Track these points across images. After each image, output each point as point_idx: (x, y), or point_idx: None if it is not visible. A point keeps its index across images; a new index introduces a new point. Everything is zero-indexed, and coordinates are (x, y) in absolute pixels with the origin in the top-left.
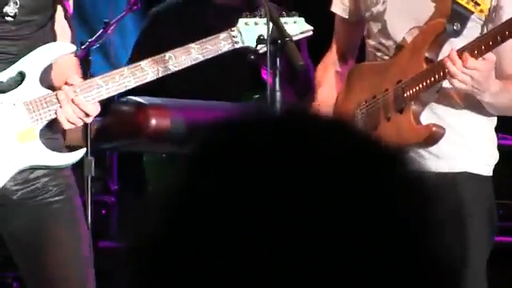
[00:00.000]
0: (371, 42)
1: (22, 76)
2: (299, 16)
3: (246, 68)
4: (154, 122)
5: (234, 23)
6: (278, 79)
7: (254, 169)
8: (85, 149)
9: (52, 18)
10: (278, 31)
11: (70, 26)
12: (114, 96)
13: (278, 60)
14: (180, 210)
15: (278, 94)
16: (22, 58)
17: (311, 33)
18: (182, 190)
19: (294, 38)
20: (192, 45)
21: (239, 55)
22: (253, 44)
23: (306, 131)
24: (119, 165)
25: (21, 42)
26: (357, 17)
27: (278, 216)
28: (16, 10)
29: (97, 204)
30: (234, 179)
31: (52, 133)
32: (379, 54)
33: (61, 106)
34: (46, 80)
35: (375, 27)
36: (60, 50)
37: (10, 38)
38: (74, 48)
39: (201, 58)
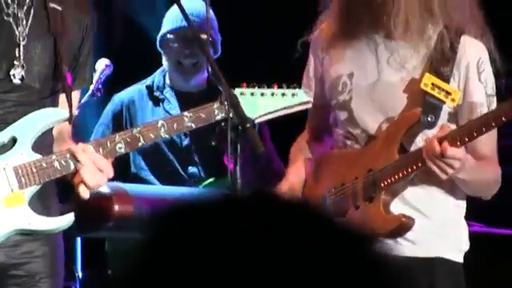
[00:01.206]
0: (339, 130)
1: (13, 141)
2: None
3: (208, 153)
4: (117, 207)
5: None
6: (238, 167)
7: (205, 258)
8: (73, 215)
9: (55, 93)
10: (239, 117)
11: (69, 99)
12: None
13: (238, 146)
14: None
15: (239, 182)
16: (15, 123)
17: (310, 105)
18: (136, 279)
19: (293, 110)
20: (185, 113)
21: (202, 141)
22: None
23: (270, 214)
24: (83, 249)
25: (21, 109)
26: (323, 103)
27: None
28: (23, 73)
29: None
30: (186, 269)
31: (45, 198)
32: (349, 142)
33: (81, 164)
34: (40, 146)
35: (342, 115)
36: (53, 116)
37: (13, 102)
38: (67, 115)
39: (193, 127)
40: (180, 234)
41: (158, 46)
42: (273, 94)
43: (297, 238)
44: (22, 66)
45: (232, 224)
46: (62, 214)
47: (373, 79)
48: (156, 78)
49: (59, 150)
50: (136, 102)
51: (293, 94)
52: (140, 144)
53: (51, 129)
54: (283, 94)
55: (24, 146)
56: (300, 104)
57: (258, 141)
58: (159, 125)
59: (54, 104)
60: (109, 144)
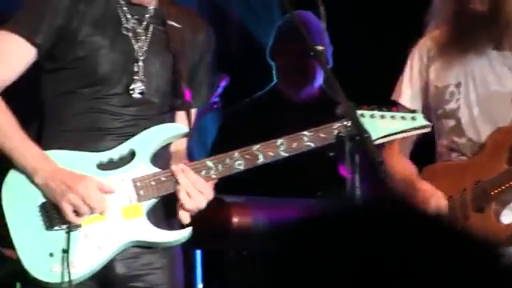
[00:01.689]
0: (443, 141)
1: (132, 154)
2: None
3: (323, 165)
4: (235, 219)
5: (312, 121)
6: (357, 175)
7: (341, 271)
8: (190, 229)
9: (173, 110)
10: (356, 127)
11: (188, 114)
12: None
13: (356, 156)
14: None
15: (358, 191)
16: (135, 137)
17: (429, 129)
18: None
19: (412, 133)
20: (305, 132)
21: (316, 152)
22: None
23: (402, 223)
24: (203, 262)
25: (140, 123)
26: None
27: None
28: (143, 88)
29: None
30: (322, 278)
31: (163, 211)
32: (453, 154)
33: (177, 182)
34: (159, 160)
35: (448, 124)
36: (172, 132)
37: (132, 116)
38: (186, 130)
39: (312, 146)
40: (312, 248)
41: (268, 57)
42: (392, 117)
43: (434, 248)
44: (142, 81)
45: (363, 235)
46: (180, 226)
47: (484, 89)
48: (268, 90)
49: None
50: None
51: (412, 118)
52: (259, 162)
53: (169, 144)
54: (403, 118)
55: (143, 159)
56: (420, 128)
57: (375, 150)
58: (278, 143)
59: (172, 120)
60: (228, 160)
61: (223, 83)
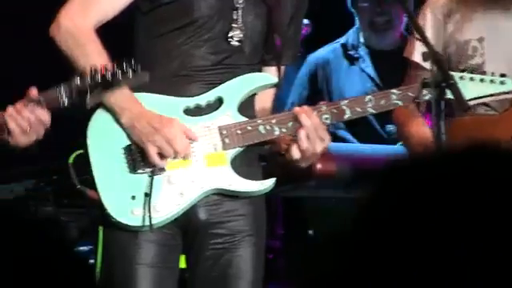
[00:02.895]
0: None
1: (220, 101)
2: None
3: None
4: (319, 166)
5: (394, 68)
6: (442, 123)
7: (438, 213)
8: (274, 179)
9: (262, 62)
10: (443, 73)
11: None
12: None
13: (442, 103)
14: (359, 249)
15: (444, 137)
16: (223, 84)
17: None
18: (360, 230)
19: (499, 97)
20: (393, 90)
21: None
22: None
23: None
24: (284, 209)
25: (230, 71)
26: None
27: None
28: (241, 36)
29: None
30: (410, 228)
31: (247, 160)
32: (479, 109)
33: (303, 128)
34: (245, 108)
35: None
36: (261, 81)
37: (222, 64)
38: (275, 80)
39: (399, 104)
40: (404, 193)
41: (349, 5)
42: (482, 80)
43: None
44: (241, 29)
45: (458, 182)
46: (264, 175)
47: (509, 43)
48: (350, 36)
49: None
50: (331, 61)
51: (501, 82)
52: (346, 117)
53: (255, 94)
54: (492, 81)
55: (230, 107)
56: (508, 92)
57: (462, 97)
58: (366, 99)
59: (261, 71)
60: (316, 113)
61: (305, 31)
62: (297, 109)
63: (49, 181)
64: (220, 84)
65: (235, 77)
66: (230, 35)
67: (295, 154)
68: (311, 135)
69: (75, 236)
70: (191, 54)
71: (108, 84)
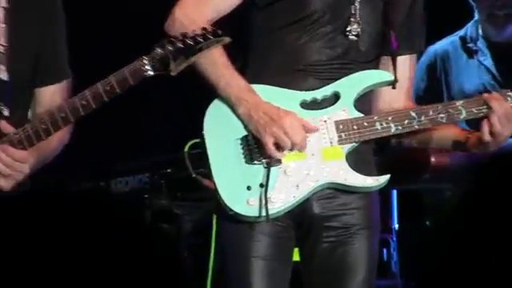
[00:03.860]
0: None
1: (336, 96)
2: None
3: None
4: (433, 159)
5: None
6: None
7: None
8: (389, 176)
9: (378, 58)
10: None
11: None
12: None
13: None
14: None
15: None
16: (340, 80)
17: None
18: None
19: None
20: (509, 93)
21: None
22: None
23: None
24: (399, 202)
25: (346, 66)
26: None
27: None
28: (359, 31)
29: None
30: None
31: (362, 155)
32: None
33: (490, 108)
34: (362, 105)
35: None
36: (378, 78)
37: (339, 60)
38: (391, 78)
39: None
40: (499, 185)
41: None
42: None
43: None
44: (358, 23)
45: None
46: (378, 170)
47: None
48: (469, 29)
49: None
50: (450, 53)
51: None
52: (461, 117)
53: (371, 91)
54: None
55: (347, 102)
56: None
57: None
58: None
59: (377, 68)
60: (431, 112)
61: None
62: (486, 95)
63: (163, 174)
64: (335, 80)
65: (351, 73)
66: (347, 29)
67: (486, 137)
68: (502, 120)
69: (188, 229)
70: (306, 49)
71: (190, 50)
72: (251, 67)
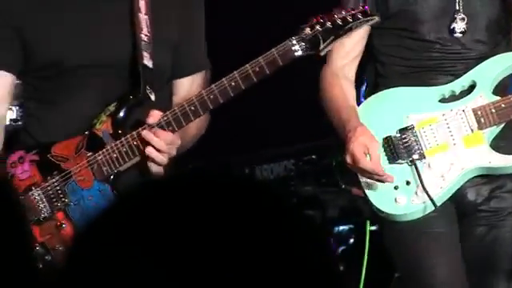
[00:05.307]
0: None
1: (473, 85)
2: None
3: None
4: None
5: None
6: None
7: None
8: None
9: (508, 35)
10: None
11: None
12: None
13: None
14: None
15: None
16: (475, 68)
17: None
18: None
19: None
20: None
21: None
22: None
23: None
24: None
25: (468, 61)
26: None
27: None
28: (464, 27)
29: None
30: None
31: (508, 136)
32: None
33: None
34: (502, 88)
35: None
36: (509, 61)
37: (456, 55)
38: None
39: None
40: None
41: None
42: None
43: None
44: (463, 19)
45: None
46: None
47: None
48: None
49: None
50: None
51: None
52: None
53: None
54: None
55: (483, 89)
56: None
57: None
58: None
59: (509, 48)
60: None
61: None
62: None
63: (308, 160)
64: (465, 72)
65: (478, 63)
66: (452, 27)
67: None
68: None
69: (335, 215)
70: (426, 55)
71: (340, 29)
72: (381, 75)
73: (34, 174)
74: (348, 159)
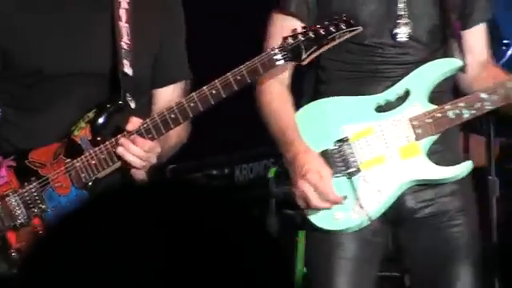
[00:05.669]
0: None
1: (407, 93)
2: None
3: None
4: None
5: None
6: None
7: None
8: (470, 162)
9: (444, 44)
10: None
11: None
12: None
13: None
14: None
15: None
16: (408, 75)
17: None
18: None
19: None
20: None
21: None
22: None
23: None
24: None
25: (410, 66)
26: None
27: None
28: (407, 32)
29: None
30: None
31: (445, 146)
32: None
33: None
34: (437, 97)
35: None
36: (446, 66)
37: (402, 61)
38: (460, 63)
39: None
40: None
41: None
42: None
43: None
44: (406, 24)
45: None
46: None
47: None
48: None
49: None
50: None
51: None
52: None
53: (449, 82)
54: None
55: (418, 97)
56: None
57: None
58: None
59: (448, 54)
60: (503, 90)
61: None
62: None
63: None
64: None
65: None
66: (394, 32)
67: None
68: None
69: None
70: (368, 60)
71: (322, 39)
72: (322, 81)
73: (11, 179)
74: (301, 186)
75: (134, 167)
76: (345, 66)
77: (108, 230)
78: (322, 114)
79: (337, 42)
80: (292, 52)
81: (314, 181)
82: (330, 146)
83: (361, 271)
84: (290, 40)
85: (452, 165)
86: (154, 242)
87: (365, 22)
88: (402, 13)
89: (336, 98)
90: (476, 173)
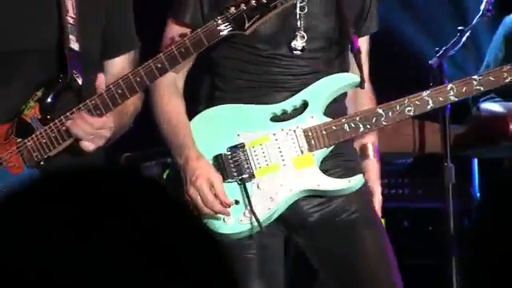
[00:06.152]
0: None
1: (305, 105)
2: None
3: None
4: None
5: None
6: None
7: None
8: (361, 176)
9: (342, 55)
10: None
11: (358, 62)
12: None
13: None
14: None
15: None
16: (307, 88)
17: None
18: None
19: None
20: (475, 76)
21: None
22: None
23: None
24: (480, 171)
25: (310, 77)
26: None
27: None
28: (303, 44)
29: (457, 212)
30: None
31: (340, 158)
32: None
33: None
34: (333, 111)
35: None
36: (343, 81)
37: (298, 70)
38: (357, 79)
39: (482, 90)
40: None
41: None
42: None
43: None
44: (302, 37)
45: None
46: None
47: None
48: None
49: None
50: None
51: None
52: (429, 107)
53: (344, 96)
54: None
55: (315, 109)
56: None
57: None
58: (448, 88)
59: (343, 66)
60: (398, 107)
61: None
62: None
63: None
64: (302, 88)
65: (315, 79)
66: (291, 44)
67: None
68: None
69: None
70: (266, 70)
71: (264, 7)
72: (219, 88)
73: None
74: (191, 193)
75: (84, 144)
76: (242, 74)
77: (47, 211)
78: (219, 120)
79: (279, 9)
80: (235, 22)
81: (204, 188)
82: (224, 151)
83: (263, 270)
84: (233, 10)
85: (346, 176)
86: (90, 227)
87: (262, 34)
88: (299, 25)
89: (233, 105)
90: (432, 159)
